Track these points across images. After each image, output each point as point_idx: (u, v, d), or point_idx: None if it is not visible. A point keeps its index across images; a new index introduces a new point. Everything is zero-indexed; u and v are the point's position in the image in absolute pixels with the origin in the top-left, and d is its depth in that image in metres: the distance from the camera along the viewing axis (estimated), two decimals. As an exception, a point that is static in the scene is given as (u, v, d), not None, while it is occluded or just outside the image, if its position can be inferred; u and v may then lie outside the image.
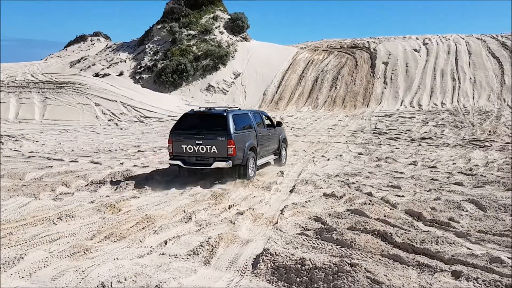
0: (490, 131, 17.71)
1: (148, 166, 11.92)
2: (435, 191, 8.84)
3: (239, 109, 11.79)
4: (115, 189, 9.10)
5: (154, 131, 20.42)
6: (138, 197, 8.32)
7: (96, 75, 32.37)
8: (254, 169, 10.43)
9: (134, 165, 12.05)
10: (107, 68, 34.38)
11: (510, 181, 9.45)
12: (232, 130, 9.57)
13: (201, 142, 9.56)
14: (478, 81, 28.98)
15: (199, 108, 11.19)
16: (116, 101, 26.14)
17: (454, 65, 31.43)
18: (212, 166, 9.58)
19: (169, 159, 9.96)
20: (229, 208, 7.66)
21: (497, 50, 32.51)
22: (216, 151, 9.52)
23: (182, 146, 9.67)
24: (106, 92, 27.14)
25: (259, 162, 10.82)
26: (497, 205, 7.39)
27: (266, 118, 11.98)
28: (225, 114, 9.80)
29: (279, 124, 12.55)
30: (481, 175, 10.29)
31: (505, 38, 35.17)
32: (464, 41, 35.01)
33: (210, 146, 9.52)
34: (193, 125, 9.96)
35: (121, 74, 33.65)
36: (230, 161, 9.49)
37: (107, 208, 7.36)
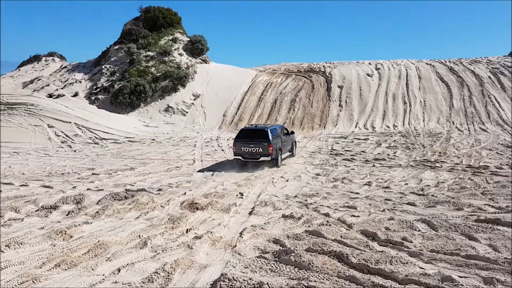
0: (440, 153, 18.50)
1: (102, 189, 11.56)
2: (388, 211, 9.09)
3: (271, 125, 18.18)
4: (67, 215, 8.75)
5: (109, 153, 19.88)
6: (91, 223, 8.02)
7: (50, 95, 31.38)
8: (280, 160, 16.48)
9: (87, 189, 11.64)
10: (62, 88, 33.43)
11: (460, 201, 9.88)
12: (271, 138, 15.55)
13: (252, 145, 15.60)
14: (428, 104, 30.44)
15: (249, 125, 18.31)
16: (70, 122, 25.32)
17: (405, 89, 32.92)
18: (259, 159, 15.64)
19: (234, 155, 16.12)
20: (187, 232, 7.53)
21: (446, 75, 34.40)
22: (262, 151, 15.54)
23: (241, 148, 15.73)
24: (59, 113, 26.26)
25: (283, 156, 16.94)
26: (448, 224, 7.68)
27: (285, 129, 18.15)
28: (265, 129, 15.94)
29: (292, 132, 19.04)
30: (432, 195, 10.69)
31: (453, 64, 37.32)
32: (414, 66, 36.81)
33: (258, 148, 15.54)
34: (247, 135, 16.02)
35: (76, 94, 32.80)
36: (270, 157, 15.58)
37: (58, 234, 7.05)
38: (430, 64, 37.37)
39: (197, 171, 15.27)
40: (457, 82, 33.07)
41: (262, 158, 15.57)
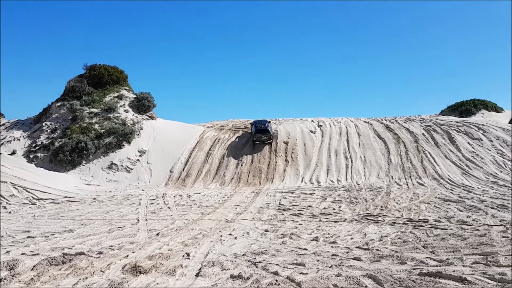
0: (381, 206, 19.18)
1: (38, 254, 10.78)
2: (336, 267, 9.16)
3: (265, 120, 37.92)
4: (-4, 284, 8.02)
5: (47, 214, 18.76)
6: (24, 292, 7.41)
7: (-17, 153, 29.58)
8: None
9: (22, 253, 10.81)
10: (-3, 145, 31.72)
11: (403, 255, 10.19)
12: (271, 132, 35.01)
13: (261, 135, 34.23)
14: (368, 160, 31.88)
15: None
16: (6, 182, 23.83)
17: (346, 145, 34.44)
18: (267, 141, 34.17)
19: (253, 141, 34.11)
20: (130, 298, 7.14)
21: (383, 132, 36.48)
22: (267, 138, 34.07)
23: (256, 136, 33.92)
24: (-7, 171, 24.70)
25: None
26: (392, 279, 7.85)
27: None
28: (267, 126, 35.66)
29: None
30: (377, 249, 10.94)
31: (389, 122, 39.77)
32: (353, 123, 38.84)
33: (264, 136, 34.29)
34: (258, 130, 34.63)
35: (13, 153, 31.24)
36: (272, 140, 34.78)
37: (-16, 307, 6.43)
38: (368, 122, 39.64)
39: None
40: (393, 139, 35.14)
41: (268, 141, 33.56)
